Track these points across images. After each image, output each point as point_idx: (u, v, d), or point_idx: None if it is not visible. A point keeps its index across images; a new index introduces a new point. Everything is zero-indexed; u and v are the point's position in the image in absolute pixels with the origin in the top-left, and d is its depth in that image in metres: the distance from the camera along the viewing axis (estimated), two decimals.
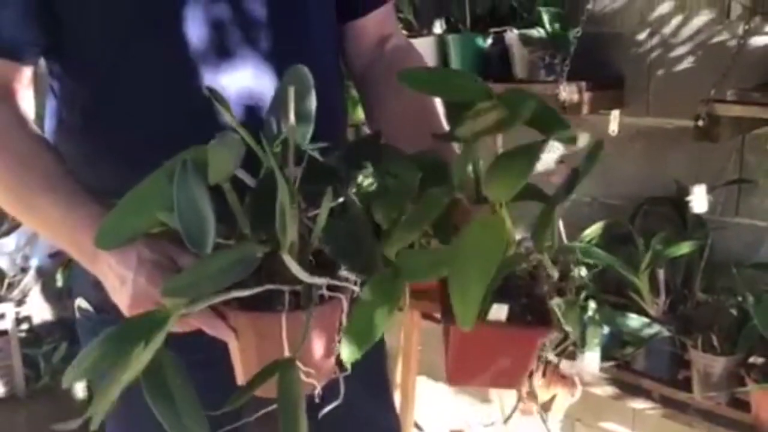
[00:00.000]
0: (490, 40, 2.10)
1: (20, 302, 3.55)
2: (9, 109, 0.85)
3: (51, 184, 0.80)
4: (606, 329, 2.08)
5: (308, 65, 0.83)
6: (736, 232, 2.02)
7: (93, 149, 0.88)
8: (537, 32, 1.97)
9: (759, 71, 1.84)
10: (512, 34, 2.01)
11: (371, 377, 1.20)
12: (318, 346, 0.75)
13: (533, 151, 0.70)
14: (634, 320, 2.00)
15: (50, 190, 0.79)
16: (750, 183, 1.97)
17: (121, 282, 0.73)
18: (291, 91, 0.71)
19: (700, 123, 1.66)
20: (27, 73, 0.89)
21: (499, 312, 0.80)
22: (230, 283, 0.69)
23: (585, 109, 1.98)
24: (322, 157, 0.79)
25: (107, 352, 0.65)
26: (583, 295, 2.12)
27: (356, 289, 0.75)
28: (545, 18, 1.93)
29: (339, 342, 0.74)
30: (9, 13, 0.83)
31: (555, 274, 0.88)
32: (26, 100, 0.89)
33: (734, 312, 1.94)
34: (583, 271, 2.22)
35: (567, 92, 1.93)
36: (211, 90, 0.74)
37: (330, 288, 0.74)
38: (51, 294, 3.63)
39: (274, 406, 0.69)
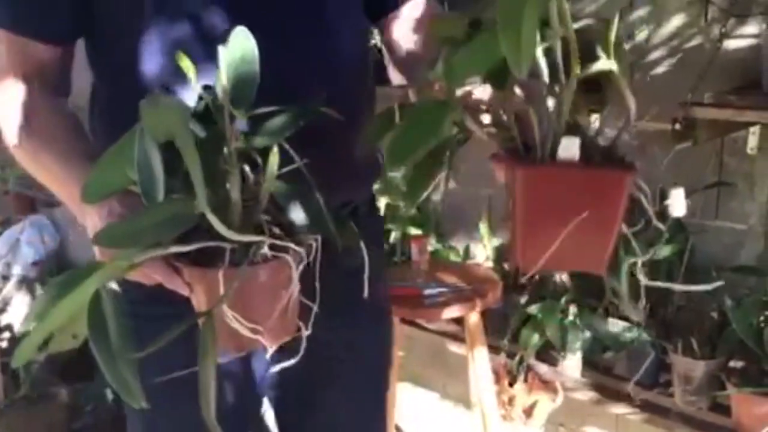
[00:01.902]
0: None
1: (1, 310, 3.51)
2: (40, 87, 0.92)
3: (61, 149, 0.89)
4: (587, 334, 2.08)
5: (323, 47, 0.92)
6: (716, 235, 2.02)
7: (122, 117, 0.92)
8: None
9: (736, 74, 1.84)
10: None
11: (371, 387, 1.20)
12: (259, 303, 0.75)
13: None
14: (614, 325, 2.00)
15: (59, 155, 0.89)
16: (729, 186, 1.96)
17: (93, 232, 0.79)
18: (223, 52, 0.75)
19: (678, 126, 1.65)
20: (50, 49, 0.93)
21: (570, 147, 0.66)
22: (168, 236, 0.71)
23: None
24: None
25: (53, 296, 0.68)
26: (563, 299, 2.12)
27: (299, 249, 0.75)
28: None
29: (289, 303, 0.76)
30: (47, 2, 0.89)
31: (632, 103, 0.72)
32: (65, 77, 0.96)
33: (714, 316, 1.94)
34: (564, 276, 2.21)
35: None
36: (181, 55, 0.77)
37: (278, 249, 0.75)
38: (33, 301, 3.60)
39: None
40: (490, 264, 2.37)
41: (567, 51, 0.69)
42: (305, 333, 0.80)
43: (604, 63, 0.69)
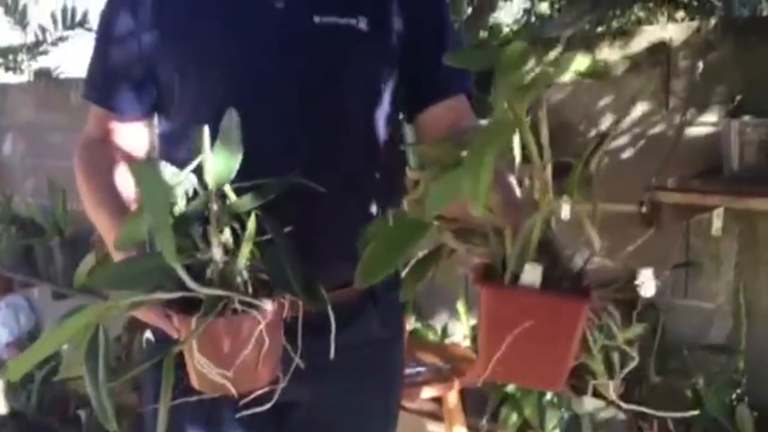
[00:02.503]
0: None
1: None
2: (103, 148, 1.09)
3: (107, 204, 1.04)
4: (565, 413, 2.09)
5: (345, 115, 1.02)
6: (686, 314, 2.07)
7: None
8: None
9: (699, 159, 1.93)
10: None
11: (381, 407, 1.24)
12: (221, 352, 0.83)
13: None
14: (590, 404, 2.02)
15: (105, 207, 1.03)
16: (696, 266, 2.03)
17: None
18: (206, 133, 0.85)
19: (644, 209, 1.72)
20: (130, 125, 1.11)
21: (533, 273, 0.69)
22: (150, 285, 0.82)
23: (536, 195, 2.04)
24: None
25: (59, 322, 0.80)
26: None
27: (264, 307, 0.83)
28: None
29: (260, 355, 0.83)
30: (121, 77, 1.07)
31: (596, 241, 0.75)
32: (140, 143, 1.12)
33: (688, 393, 1.97)
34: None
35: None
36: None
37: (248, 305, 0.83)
38: (6, 384, 3.54)
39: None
40: (468, 343, 2.40)
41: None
42: (281, 384, 0.87)
43: (566, 209, 0.75)
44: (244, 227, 0.84)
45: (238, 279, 0.85)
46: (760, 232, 1.93)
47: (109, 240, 0.98)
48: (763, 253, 1.93)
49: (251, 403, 0.88)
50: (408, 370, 1.88)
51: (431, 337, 2.49)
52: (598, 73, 0.78)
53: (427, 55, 1.09)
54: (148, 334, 1.21)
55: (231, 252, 0.85)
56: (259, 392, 0.87)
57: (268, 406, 0.87)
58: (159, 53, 1.04)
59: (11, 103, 4.05)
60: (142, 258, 0.84)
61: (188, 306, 0.83)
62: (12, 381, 3.52)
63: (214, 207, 0.84)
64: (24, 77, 3.93)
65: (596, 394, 2.02)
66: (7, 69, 3.96)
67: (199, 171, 0.87)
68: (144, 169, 0.83)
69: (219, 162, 0.86)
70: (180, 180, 0.87)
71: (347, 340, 1.03)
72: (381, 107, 1.07)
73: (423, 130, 1.13)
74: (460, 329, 2.48)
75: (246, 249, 0.84)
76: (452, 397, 1.90)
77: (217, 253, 0.84)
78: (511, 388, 2.14)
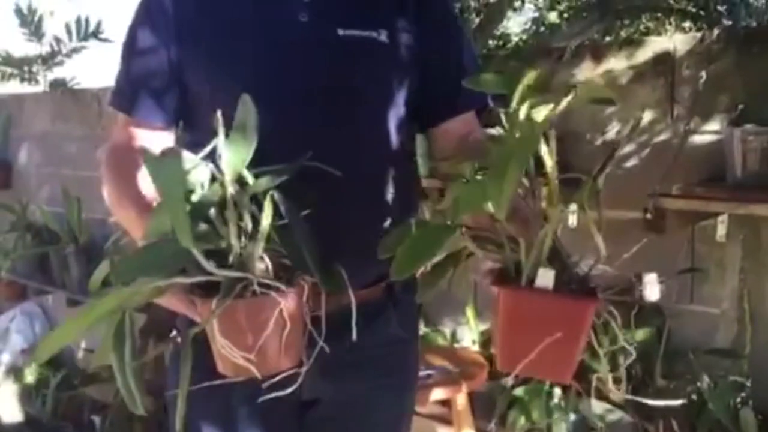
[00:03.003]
0: None
1: None
2: (128, 153, 1.09)
3: (135, 203, 1.04)
4: (572, 416, 2.13)
5: (365, 124, 1.06)
6: (691, 319, 2.10)
7: None
8: (496, 131, 2.10)
9: (704, 167, 1.97)
10: None
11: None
12: (242, 334, 0.83)
13: None
14: (597, 406, 2.06)
15: (133, 206, 1.04)
16: (702, 272, 2.07)
17: None
18: (220, 119, 0.86)
19: (648, 216, 1.76)
20: (156, 134, 1.12)
21: (545, 277, 0.76)
22: (172, 270, 0.83)
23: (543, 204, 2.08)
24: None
25: (88, 306, 0.83)
26: (548, 382, 2.18)
27: (282, 288, 0.83)
28: (503, 119, 2.06)
29: (282, 338, 0.84)
30: (148, 85, 1.09)
31: (602, 248, 0.83)
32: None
33: (694, 397, 2.01)
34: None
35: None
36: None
37: (268, 287, 0.83)
38: (21, 390, 3.59)
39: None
40: (476, 348, 2.44)
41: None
42: (305, 367, 0.88)
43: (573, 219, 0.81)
44: (262, 211, 0.85)
45: (258, 262, 0.85)
46: (764, 239, 1.97)
47: (138, 237, 1.00)
48: (766, 258, 1.97)
49: (274, 388, 0.89)
50: (419, 373, 1.92)
51: (441, 342, 2.53)
52: (609, 101, 0.84)
53: (446, 71, 1.14)
54: (175, 333, 1.24)
55: (250, 236, 0.86)
56: (283, 375, 0.88)
57: (290, 390, 0.88)
58: (190, 64, 1.08)
59: (27, 113, 4.12)
60: (163, 244, 0.84)
61: (213, 291, 0.84)
62: (27, 383, 3.58)
63: (231, 190, 0.85)
64: (39, 87, 3.99)
65: (603, 396, 2.06)
66: (23, 80, 4.02)
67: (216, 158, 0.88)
68: (157, 158, 0.84)
69: (235, 146, 0.87)
70: (195, 165, 0.88)
71: (367, 340, 1.07)
72: (398, 116, 1.11)
73: (435, 141, 1.18)
74: (468, 334, 2.52)
75: (264, 231, 0.84)
76: (461, 400, 1.94)
77: (234, 236, 0.85)
78: (519, 391, 2.18)
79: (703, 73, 1.97)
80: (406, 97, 1.11)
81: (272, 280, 0.84)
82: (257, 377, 0.84)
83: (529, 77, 0.82)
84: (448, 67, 1.15)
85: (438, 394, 1.87)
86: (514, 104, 0.82)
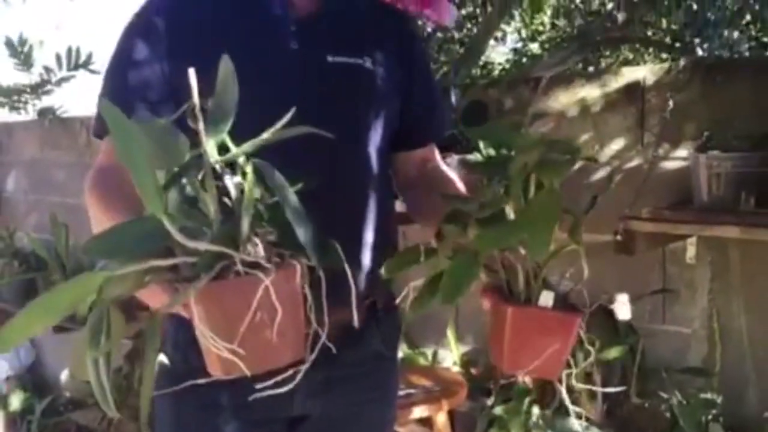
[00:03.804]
0: None
1: None
2: (115, 174, 1.04)
3: (125, 215, 0.97)
4: None
5: (353, 148, 1.09)
6: (664, 338, 2.17)
7: None
8: (474, 157, 2.18)
9: (672, 191, 2.05)
10: (452, 159, 2.21)
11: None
12: (225, 322, 0.73)
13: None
14: (574, 424, 2.11)
15: (121, 216, 0.97)
16: (672, 292, 2.14)
17: None
18: (193, 76, 0.77)
19: (619, 238, 1.84)
20: None
21: (547, 298, 0.95)
22: (146, 250, 0.73)
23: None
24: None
25: (49, 296, 0.72)
26: (527, 401, 2.23)
27: (268, 266, 0.74)
28: (481, 144, 2.14)
29: (273, 327, 0.74)
30: (143, 103, 1.07)
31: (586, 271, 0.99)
32: None
33: (668, 414, 2.06)
34: (528, 378, 2.34)
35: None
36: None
37: (253, 266, 0.73)
38: (7, 417, 3.58)
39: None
40: (457, 368, 2.49)
41: None
42: (305, 365, 0.77)
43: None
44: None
45: (247, 244, 0.74)
46: (731, 260, 2.04)
47: None
48: (733, 279, 2.04)
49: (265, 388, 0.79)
50: (399, 393, 1.97)
51: (422, 362, 2.58)
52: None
53: (422, 102, 1.22)
54: (160, 357, 1.19)
55: (232, 210, 0.75)
56: (281, 377, 0.77)
57: (286, 388, 0.77)
58: (183, 85, 1.09)
59: (16, 140, 4.17)
60: (136, 221, 0.74)
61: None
62: (6, 349, 3.57)
63: (211, 157, 0.74)
64: (28, 116, 4.03)
65: (581, 415, 2.12)
66: (12, 108, 4.07)
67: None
68: (123, 122, 0.71)
69: (215, 111, 0.77)
70: (168, 131, 0.76)
71: (353, 356, 1.14)
72: (381, 140, 1.17)
73: (401, 165, 1.25)
74: (449, 356, 2.57)
75: (249, 201, 0.74)
76: (441, 418, 1.99)
77: (214, 208, 0.74)
78: (498, 410, 2.23)
79: (671, 102, 2.06)
80: (387, 120, 1.17)
81: (256, 258, 0.73)
82: (246, 374, 0.73)
83: (530, 139, 0.98)
84: (423, 98, 1.22)
85: (419, 412, 1.92)
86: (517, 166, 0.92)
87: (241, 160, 0.78)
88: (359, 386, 1.20)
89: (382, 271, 0.99)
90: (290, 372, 0.77)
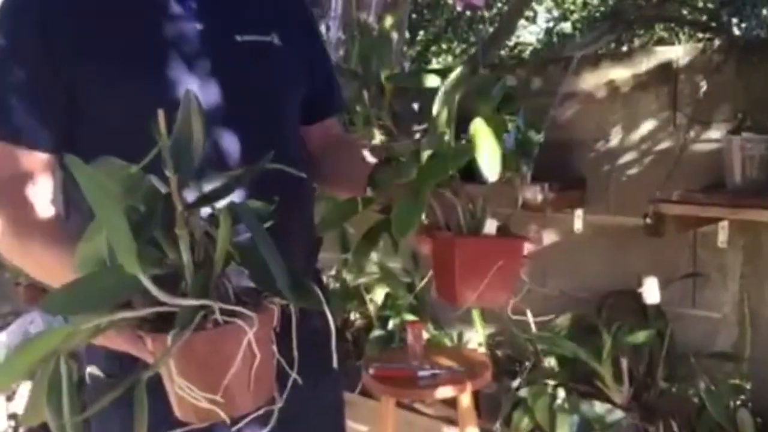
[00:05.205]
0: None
1: (9, 398, 3.58)
2: (16, 184, 0.98)
3: (48, 239, 0.95)
4: (575, 417, 2.17)
5: (273, 135, 1.04)
6: (693, 322, 2.15)
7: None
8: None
9: (704, 174, 2.02)
10: None
11: None
12: (206, 371, 0.72)
13: None
14: (598, 407, 2.10)
15: (46, 238, 0.95)
16: (703, 277, 2.11)
17: None
18: (161, 118, 0.70)
19: (648, 220, 1.81)
20: (43, 159, 1.00)
21: (491, 226, 0.98)
22: (113, 301, 0.70)
23: (549, 209, 2.14)
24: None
25: (18, 351, 0.70)
26: (552, 383, 2.23)
27: (250, 314, 0.72)
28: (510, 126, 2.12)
29: (251, 372, 0.73)
30: (27, 103, 0.97)
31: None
32: (44, 186, 1.00)
33: (695, 400, 2.05)
34: (552, 361, 2.33)
35: (531, 193, 2.10)
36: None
37: (232, 314, 0.72)
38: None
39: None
40: (482, 349, 2.49)
41: None
42: (278, 404, 0.77)
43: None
44: (217, 226, 0.72)
45: (218, 286, 0.73)
46: (764, 245, 2.01)
47: (61, 272, 0.83)
48: (766, 264, 2.01)
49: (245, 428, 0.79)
50: (424, 373, 1.98)
51: (447, 343, 2.58)
52: None
53: (323, 76, 1.22)
54: (91, 369, 1.07)
55: (205, 255, 0.73)
56: (251, 416, 0.76)
57: (267, 429, 0.75)
58: (82, 77, 0.99)
59: None
60: (102, 272, 0.71)
61: (164, 325, 0.71)
62: None
63: (180, 203, 0.71)
64: None
65: (605, 398, 2.11)
66: None
67: (154, 167, 0.70)
68: (85, 165, 0.67)
69: (181, 150, 0.73)
70: (133, 174, 0.72)
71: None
72: (296, 115, 1.15)
73: (308, 139, 1.24)
74: (474, 336, 2.57)
75: (222, 249, 0.72)
76: (465, 399, 1.98)
77: (187, 258, 0.71)
78: (523, 392, 2.23)
79: (704, 83, 2.02)
80: (300, 95, 1.15)
81: (236, 306, 0.72)
82: (225, 421, 0.72)
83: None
84: (323, 71, 1.22)
85: (443, 392, 1.92)
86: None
87: (220, 204, 0.74)
88: (313, 371, 1.08)
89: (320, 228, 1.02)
90: (261, 411, 0.77)
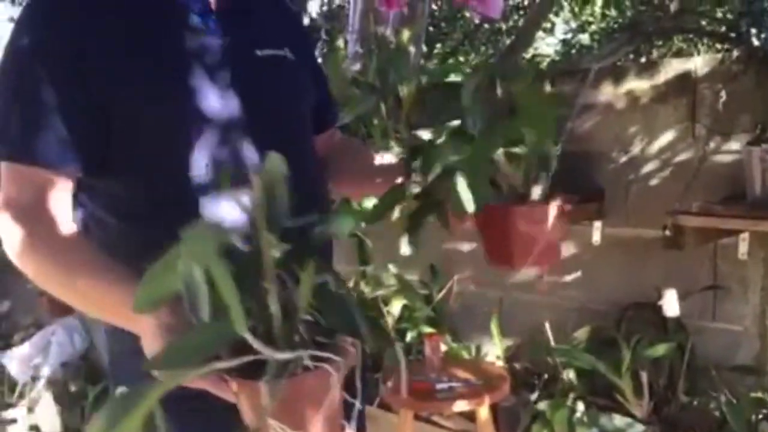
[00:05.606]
0: None
1: (30, 410, 3.62)
2: (49, 217, 0.98)
3: (89, 269, 0.95)
4: (594, 430, 2.15)
5: (293, 147, 1.01)
6: (714, 336, 2.12)
7: (131, 246, 0.99)
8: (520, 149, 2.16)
9: (724, 185, 2.00)
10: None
11: None
12: (303, 413, 0.78)
13: None
14: (618, 420, 2.08)
15: (90, 275, 0.94)
16: (724, 289, 2.09)
17: (144, 340, 0.87)
18: (257, 180, 0.78)
19: (667, 232, 1.80)
20: (68, 182, 1.01)
21: (536, 192, 1.05)
22: (213, 353, 0.76)
23: (567, 221, 2.14)
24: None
25: (117, 413, 0.73)
26: (571, 396, 2.21)
27: (337, 359, 0.78)
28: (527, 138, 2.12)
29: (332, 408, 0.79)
30: (58, 128, 0.98)
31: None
32: (65, 207, 1.01)
33: (717, 413, 2.02)
34: (572, 374, 2.32)
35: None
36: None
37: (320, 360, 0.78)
38: (63, 402, 3.69)
39: None
40: (500, 362, 2.48)
41: None
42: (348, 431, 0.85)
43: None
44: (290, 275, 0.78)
45: (298, 331, 0.79)
46: None
47: (115, 308, 0.90)
48: None
49: None
50: (442, 385, 1.97)
51: (465, 355, 2.57)
52: None
53: (322, 89, 1.25)
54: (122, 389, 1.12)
55: (285, 304, 0.78)
56: None
57: None
58: (112, 100, 1.01)
59: None
60: (203, 327, 0.77)
61: (249, 368, 0.76)
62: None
63: (270, 254, 0.77)
64: None
65: (625, 411, 2.09)
66: None
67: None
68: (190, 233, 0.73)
69: (270, 203, 0.78)
70: (226, 232, 0.77)
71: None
72: (309, 123, 1.19)
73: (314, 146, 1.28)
74: (492, 349, 2.56)
75: (305, 296, 0.78)
76: (483, 412, 1.98)
77: (275, 308, 0.77)
78: (542, 405, 2.21)
79: (723, 93, 2.01)
80: (310, 107, 1.19)
81: (323, 352, 0.78)
82: None
83: None
84: (324, 83, 1.26)
85: (461, 405, 1.92)
86: None
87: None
88: None
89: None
90: None
